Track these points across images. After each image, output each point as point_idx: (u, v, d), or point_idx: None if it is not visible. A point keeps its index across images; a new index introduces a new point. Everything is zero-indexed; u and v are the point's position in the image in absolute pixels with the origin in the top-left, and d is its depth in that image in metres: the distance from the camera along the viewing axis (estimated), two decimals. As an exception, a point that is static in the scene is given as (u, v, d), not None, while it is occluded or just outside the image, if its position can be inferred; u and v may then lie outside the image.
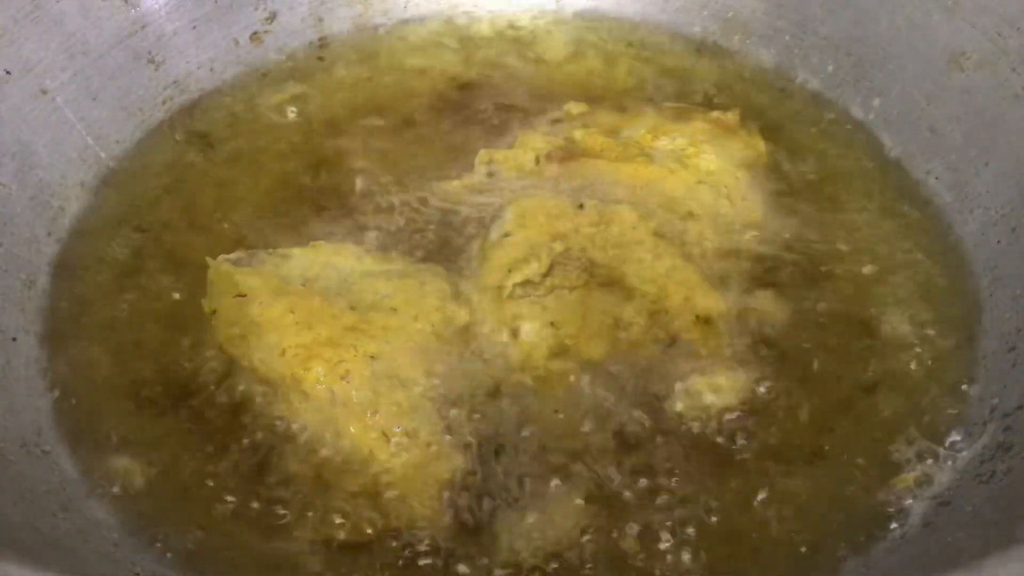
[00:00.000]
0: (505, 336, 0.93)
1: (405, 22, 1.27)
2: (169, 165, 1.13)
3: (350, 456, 0.87)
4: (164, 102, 1.17)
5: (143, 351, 0.97)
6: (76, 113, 1.10)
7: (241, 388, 0.92)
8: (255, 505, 0.86)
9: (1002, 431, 0.89)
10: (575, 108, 1.12)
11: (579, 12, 1.28)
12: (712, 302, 0.95)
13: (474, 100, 1.18)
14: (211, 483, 0.88)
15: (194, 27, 1.20)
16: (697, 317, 0.93)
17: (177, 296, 1.00)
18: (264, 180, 1.11)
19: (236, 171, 1.12)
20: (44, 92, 1.08)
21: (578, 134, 1.08)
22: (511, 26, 1.27)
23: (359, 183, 1.08)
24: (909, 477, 0.88)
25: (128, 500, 0.87)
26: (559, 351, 0.91)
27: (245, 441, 0.89)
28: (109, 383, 0.94)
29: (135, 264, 1.04)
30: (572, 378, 0.91)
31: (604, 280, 0.95)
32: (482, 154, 1.08)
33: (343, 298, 0.96)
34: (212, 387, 0.93)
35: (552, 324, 0.92)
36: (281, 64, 1.23)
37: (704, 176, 1.06)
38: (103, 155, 1.11)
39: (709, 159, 1.06)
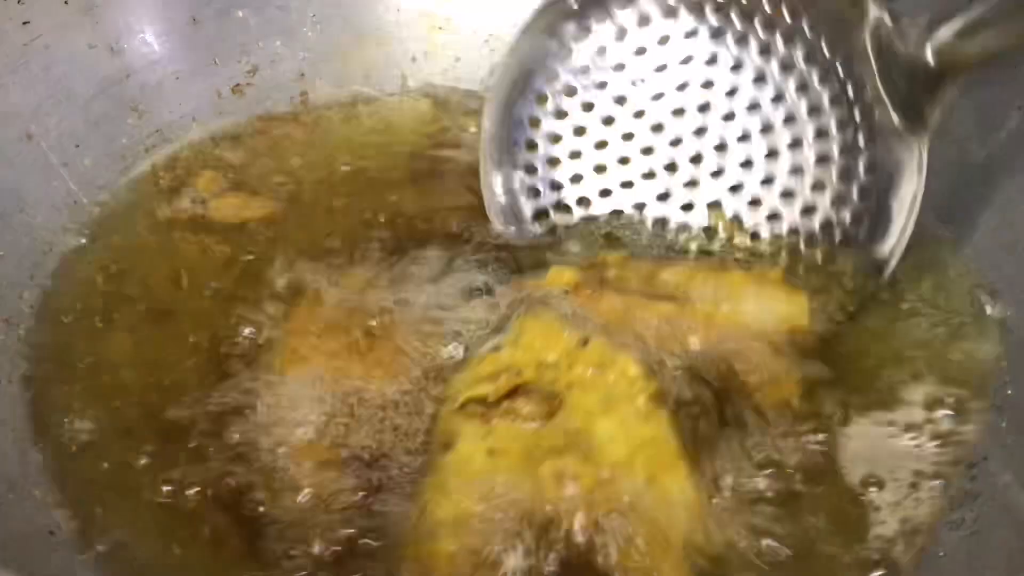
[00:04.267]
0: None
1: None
2: (151, 212, 1.13)
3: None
4: (147, 150, 1.18)
5: (128, 395, 0.96)
6: (60, 158, 1.10)
7: (232, 430, 0.92)
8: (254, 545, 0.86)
9: (968, 480, 0.92)
10: (611, 258, 1.04)
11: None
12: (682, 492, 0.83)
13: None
14: (200, 523, 0.87)
15: (177, 78, 1.21)
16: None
17: (160, 340, 1.00)
18: (248, 228, 1.11)
19: (218, 218, 1.13)
20: (29, 137, 1.08)
21: (612, 273, 1.01)
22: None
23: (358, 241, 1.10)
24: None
25: (118, 548, 0.86)
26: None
27: (235, 482, 0.89)
28: (95, 427, 0.93)
29: (118, 308, 1.03)
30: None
31: (568, 427, 0.86)
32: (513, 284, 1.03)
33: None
34: (201, 432, 0.92)
35: (490, 452, 0.85)
36: (264, 118, 1.24)
37: (739, 329, 0.96)
38: (86, 200, 1.11)
39: (747, 312, 0.97)
